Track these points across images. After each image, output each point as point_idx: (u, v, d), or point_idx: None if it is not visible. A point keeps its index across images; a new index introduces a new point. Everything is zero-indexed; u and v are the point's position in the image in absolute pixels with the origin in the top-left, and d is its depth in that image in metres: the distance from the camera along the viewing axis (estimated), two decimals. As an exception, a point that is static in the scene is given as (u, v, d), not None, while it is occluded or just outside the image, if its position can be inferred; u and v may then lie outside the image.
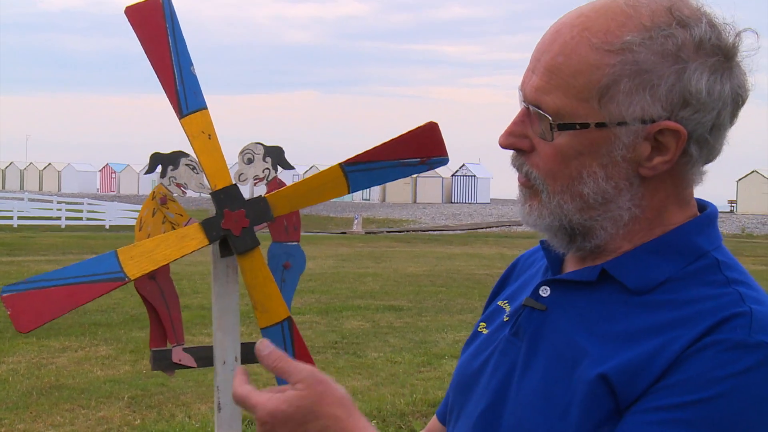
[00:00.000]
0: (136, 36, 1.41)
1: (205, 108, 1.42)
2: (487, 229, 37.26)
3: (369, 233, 32.15)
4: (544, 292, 1.21)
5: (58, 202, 37.49)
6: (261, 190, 1.94)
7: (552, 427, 1.10)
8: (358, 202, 64.31)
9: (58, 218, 34.39)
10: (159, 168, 2.17)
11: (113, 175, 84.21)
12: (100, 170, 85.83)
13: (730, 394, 1.02)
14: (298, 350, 1.36)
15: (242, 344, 1.49)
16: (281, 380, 1.08)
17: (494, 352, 1.23)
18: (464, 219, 45.88)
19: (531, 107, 1.14)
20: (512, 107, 1.20)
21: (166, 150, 2.05)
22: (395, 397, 6.82)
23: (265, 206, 1.36)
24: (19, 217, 31.82)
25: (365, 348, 9.06)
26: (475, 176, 67.12)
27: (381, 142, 1.39)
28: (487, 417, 1.19)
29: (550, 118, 1.11)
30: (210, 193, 1.36)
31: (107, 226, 33.72)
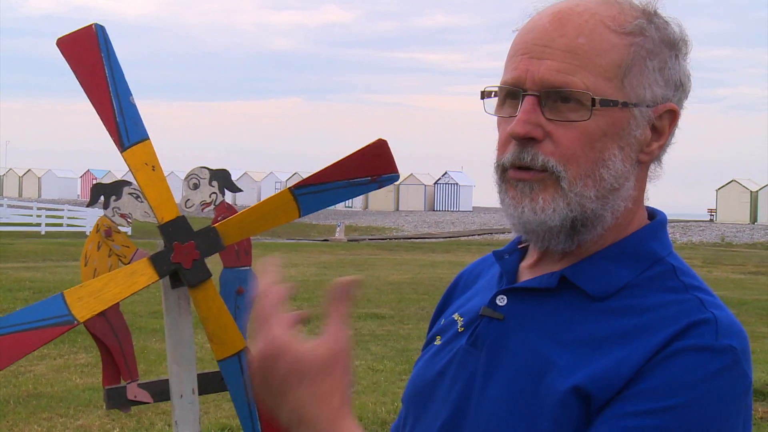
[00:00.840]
0: (70, 68, 1.36)
1: (147, 138, 1.39)
2: (470, 237, 37.30)
3: (351, 240, 32.08)
4: (501, 301, 1.19)
5: (38, 209, 37.14)
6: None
7: None
8: (340, 210, 64.18)
9: (38, 225, 34.07)
10: (101, 199, 2.12)
11: (94, 182, 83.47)
12: (81, 176, 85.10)
13: (702, 399, 1.03)
14: None
15: (199, 375, 1.46)
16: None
17: (451, 363, 1.21)
18: (447, 227, 45.91)
19: (550, 92, 1.11)
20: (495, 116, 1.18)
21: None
22: (377, 406, 6.80)
23: (215, 236, 1.34)
24: (-2, 224, 31.53)
25: (347, 356, 9.02)
26: (457, 184, 67.20)
27: (330, 164, 1.36)
28: (448, 430, 1.17)
29: (591, 94, 1.10)
30: (157, 227, 1.33)
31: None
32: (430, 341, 1.30)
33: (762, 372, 7.84)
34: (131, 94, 1.38)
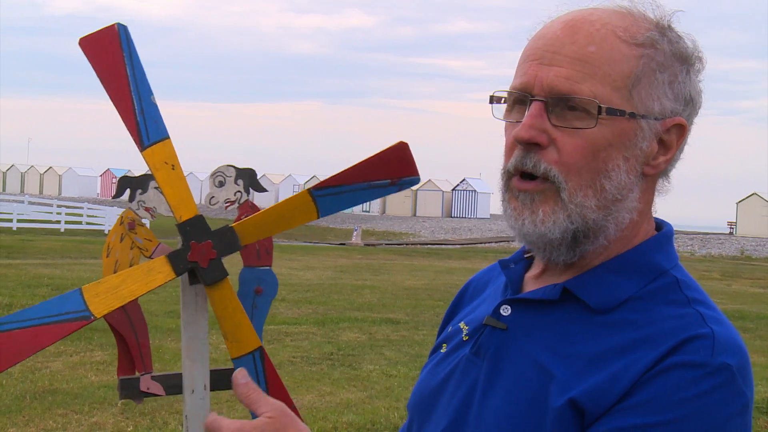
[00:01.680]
0: (92, 68, 1.37)
1: (167, 137, 1.39)
2: (486, 244, 37.21)
3: (368, 245, 32.11)
4: (505, 311, 1.19)
5: (58, 206, 37.44)
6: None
7: None
8: (357, 214, 64.26)
9: (58, 222, 34.35)
10: (128, 192, 2.14)
11: (114, 181, 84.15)
12: (101, 175, 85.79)
13: (694, 416, 1.02)
14: (270, 380, 1.35)
15: (212, 371, 1.48)
16: (254, 415, 1.11)
17: (455, 371, 1.21)
18: (463, 233, 45.83)
19: (558, 98, 1.11)
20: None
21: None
22: (389, 411, 6.80)
23: (232, 236, 1.34)
24: (19, 220, 31.78)
25: (361, 360, 9.04)
26: (475, 191, 67.08)
27: (349, 166, 1.37)
28: None
29: (597, 102, 1.10)
30: (176, 225, 1.35)
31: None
32: (437, 348, 1.30)
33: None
34: (152, 94, 1.39)
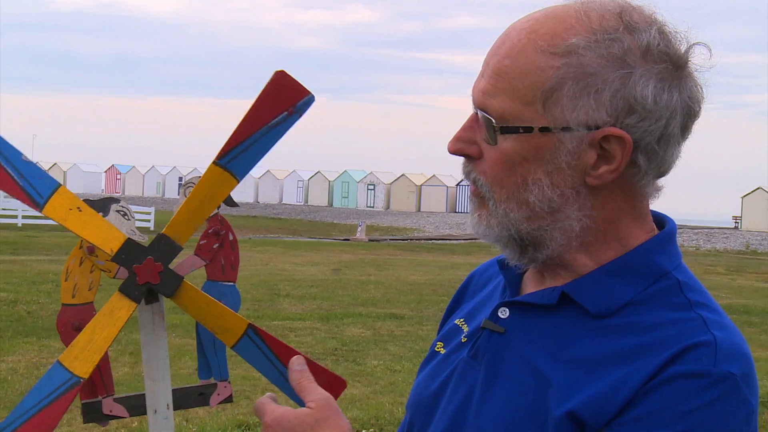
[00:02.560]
0: None
1: (59, 185, 1.38)
2: (491, 240, 37.17)
3: (372, 240, 32.08)
4: (503, 313, 1.17)
5: (63, 202, 37.48)
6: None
7: None
8: (362, 209, 64.31)
9: (62, 218, 34.39)
10: None
11: (118, 177, 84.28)
12: (106, 171, 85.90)
13: (697, 429, 1.00)
14: (274, 347, 1.33)
15: (174, 390, 1.47)
16: (301, 403, 1.15)
17: (452, 375, 1.20)
18: (468, 229, 45.66)
19: (478, 111, 1.11)
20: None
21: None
22: (393, 406, 6.80)
23: (167, 242, 1.34)
24: (24, 216, 31.84)
25: (365, 356, 9.05)
26: (479, 186, 66.95)
27: (239, 120, 1.32)
28: None
29: (493, 121, 1.09)
30: (110, 259, 1.34)
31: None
32: (435, 346, 1.29)
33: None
34: (22, 154, 1.38)
